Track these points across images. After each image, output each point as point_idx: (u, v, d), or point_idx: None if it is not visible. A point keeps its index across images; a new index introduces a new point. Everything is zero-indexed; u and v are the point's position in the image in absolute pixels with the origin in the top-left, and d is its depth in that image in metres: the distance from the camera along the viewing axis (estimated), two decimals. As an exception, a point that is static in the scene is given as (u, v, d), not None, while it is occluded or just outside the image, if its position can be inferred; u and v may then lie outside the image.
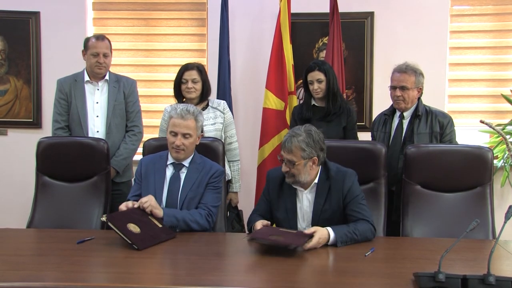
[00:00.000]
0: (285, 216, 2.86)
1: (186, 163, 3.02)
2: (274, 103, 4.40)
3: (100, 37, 3.76)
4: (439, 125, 3.42)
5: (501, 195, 4.56)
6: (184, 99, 3.69)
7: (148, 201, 2.77)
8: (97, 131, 3.73)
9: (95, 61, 3.68)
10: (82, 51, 3.78)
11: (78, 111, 3.70)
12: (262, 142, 4.45)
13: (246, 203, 4.46)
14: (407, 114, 3.51)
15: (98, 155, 3.33)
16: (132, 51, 4.95)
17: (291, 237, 2.57)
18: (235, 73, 4.70)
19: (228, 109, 3.85)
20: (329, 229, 2.61)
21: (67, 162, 3.32)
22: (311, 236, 2.54)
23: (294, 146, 2.71)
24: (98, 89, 3.77)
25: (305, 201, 2.84)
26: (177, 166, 3.02)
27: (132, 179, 3.61)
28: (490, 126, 3.10)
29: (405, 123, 3.51)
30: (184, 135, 2.93)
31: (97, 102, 3.76)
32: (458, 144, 3.45)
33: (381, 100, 4.52)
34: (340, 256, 2.48)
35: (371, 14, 4.66)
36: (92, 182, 3.32)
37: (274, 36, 4.46)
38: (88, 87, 3.76)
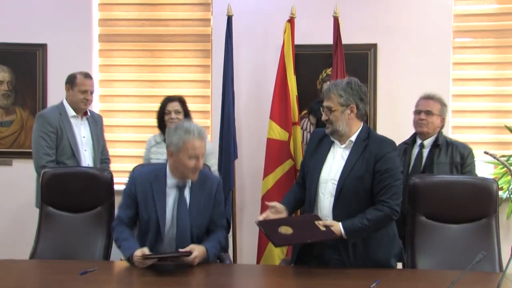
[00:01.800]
0: (313, 166, 2.82)
1: (188, 182, 2.93)
2: (278, 133, 4.42)
3: (88, 75, 3.91)
4: (459, 155, 3.48)
5: (507, 227, 4.52)
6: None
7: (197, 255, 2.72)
8: (88, 164, 3.83)
9: (83, 98, 3.80)
10: (66, 85, 3.85)
11: (70, 145, 3.75)
12: (266, 173, 4.44)
13: (251, 233, 4.46)
14: (427, 144, 3.57)
15: (102, 185, 3.33)
16: (137, 82, 4.99)
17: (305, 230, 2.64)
18: (239, 103, 4.73)
19: (208, 139, 3.90)
20: (341, 225, 2.62)
21: (71, 192, 3.32)
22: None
23: (332, 92, 2.74)
24: (82, 124, 3.88)
25: (338, 155, 2.79)
26: (182, 188, 2.91)
27: None
28: (495, 157, 3.09)
29: (425, 152, 3.56)
30: (202, 156, 2.85)
31: (83, 137, 3.86)
32: (475, 175, 3.47)
33: (384, 131, 4.51)
34: (345, 288, 2.46)
35: (374, 46, 4.71)
36: (96, 213, 3.31)
37: (278, 67, 4.50)
38: (74, 121, 3.84)
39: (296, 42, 4.53)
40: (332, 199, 2.72)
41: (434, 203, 3.04)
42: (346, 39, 4.50)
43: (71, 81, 3.85)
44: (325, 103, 2.78)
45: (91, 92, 3.86)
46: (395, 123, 4.67)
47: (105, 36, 4.99)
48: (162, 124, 3.88)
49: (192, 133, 2.79)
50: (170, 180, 2.91)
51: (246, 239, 4.68)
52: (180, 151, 2.79)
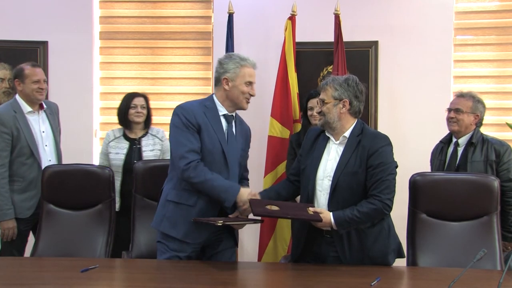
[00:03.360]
0: (309, 163, 2.84)
1: (234, 115, 2.99)
2: (279, 131, 4.42)
3: (36, 65, 3.79)
4: (495, 153, 3.39)
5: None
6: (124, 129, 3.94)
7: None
8: (49, 160, 3.71)
9: (37, 87, 3.62)
10: (16, 80, 3.67)
11: (28, 143, 3.57)
12: (267, 170, 4.45)
13: (253, 231, 4.45)
14: (462, 142, 3.52)
15: (102, 183, 3.34)
16: (138, 79, 5.00)
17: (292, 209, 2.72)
18: (240, 101, 4.72)
19: (166, 137, 3.95)
20: (331, 214, 2.65)
21: (72, 190, 3.32)
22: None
23: (329, 85, 2.78)
24: (40, 119, 3.73)
25: (333, 152, 2.81)
26: (229, 117, 2.94)
27: None
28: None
29: (460, 150, 3.52)
30: (255, 84, 2.93)
31: (43, 131, 3.71)
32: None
33: (385, 128, 4.52)
34: (344, 286, 2.46)
35: (375, 43, 4.70)
36: (97, 210, 3.31)
37: (279, 64, 4.50)
38: (31, 118, 3.67)
39: (297, 39, 4.53)
40: (327, 195, 2.74)
41: (435, 201, 3.04)
42: (347, 37, 4.50)
43: (19, 74, 3.66)
44: (320, 96, 2.83)
45: (44, 81, 3.69)
46: (396, 121, 4.68)
47: (106, 33, 4.99)
48: (125, 119, 3.90)
49: (248, 60, 2.90)
50: (222, 110, 2.93)
51: (247, 237, 4.67)
52: (238, 77, 2.86)
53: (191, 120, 2.80)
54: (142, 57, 4.99)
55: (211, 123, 2.85)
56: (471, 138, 3.48)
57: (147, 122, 3.95)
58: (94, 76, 4.91)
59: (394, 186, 2.73)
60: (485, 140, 3.47)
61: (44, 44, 4.84)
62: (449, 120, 3.54)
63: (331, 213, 2.65)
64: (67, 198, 3.32)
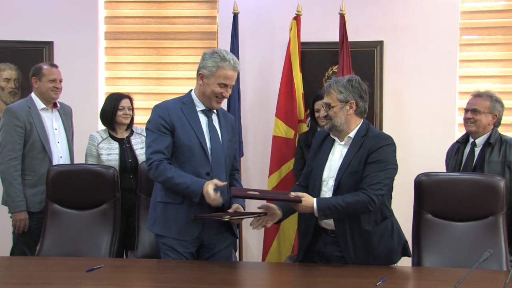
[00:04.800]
0: (316, 165, 2.85)
1: (214, 109, 2.95)
2: (284, 131, 4.42)
3: (54, 65, 3.86)
4: None
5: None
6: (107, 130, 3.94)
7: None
8: (60, 157, 3.77)
9: (52, 86, 3.72)
10: (33, 78, 3.76)
11: (40, 138, 3.65)
12: (272, 170, 4.45)
13: (257, 231, 4.44)
14: (479, 142, 3.49)
15: (107, 183, 3.34)
16: (143, 79, 5.01)
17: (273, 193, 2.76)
18: (245, 101, 4.73)
19: None
20: (315, 200, 2.65)
21: (77, 189, 3.33)
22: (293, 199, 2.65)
23: (332, 88, 2.76)
24: (53, 116, 3.82)
25: (337, 153, 2.81)
26: (208, 112, 2.92)
27: None
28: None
29: (477, 151, 3.48)
30: (231, 86, 2.88)
31: (55, 129, 3.80)
32: None
33: (391, 127, 4.52)
34: (349, 286, 2.46)
35: (380, 43, 4.69)
36: (101, 210, 3.32)
37: (284, 64, 4.50)
38: (44, 114, 3.76)
39: (302, 39, 4.53)
40: (331, 195, 2.74)
41: (440, 201, 3.03)
42: (352, 37, 4.49)
43: (37, 72, 3.76)
44: (325, 99, 2.81)
45: (60, 81, 3.79)
46: (401, 120, 4.67)
47: (111, 33, 5.00)
48: (111, 120, 3.90)
49: (228, 61, 2.81)
50: (199, 105, 2.91)
51: (251, 237, 4.68)
52: (213, 76, 2.82)
53: (165, 118, 2.81)
54: (147, 57, 5.00)
55: (188, 119, 2.85)
56: (488, 138, 3.45)
57: (131, 123, 4.00)
58: (99, 76, 4.92)
59: (386, 186, 2.70)
60: (503, 140, 3.43)
61: (50, 44, 4.86)
62: (466, 120, 3.51)
63: (314, 199, 2.65)
64: (72, 198, 3.33)
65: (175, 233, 2.82)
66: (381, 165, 2.68)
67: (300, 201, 2.64)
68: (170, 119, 2.82)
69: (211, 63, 2.83)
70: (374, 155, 2.69)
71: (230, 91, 2.89)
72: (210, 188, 2.64)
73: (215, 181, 2.69)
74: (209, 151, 2.84)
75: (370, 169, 2.68)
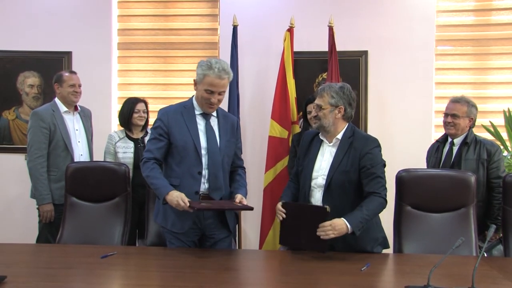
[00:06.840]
0: (306, 164, 2.84)
1: (213, 113, 2.92)
2: (279, 131, 4.42)
3: (73, 72, 3.91)
4: (486, 153, 3.39)
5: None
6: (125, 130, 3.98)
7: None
8: (81, 154, 3.81)
9: (72, 90, 3.77)
10: (55, 84, 3.81)
11: (63, 138, 3.70)
12: (268, 167, 4.45)
13: (254, 222, 4.46)
14: (457, 142, 3.51)
15: (119, 178, 3.34)
16: (151, 85, 5.01)
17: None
18: (243, 104, 4.74)
19: None
20: (344, 220, 2.56)
21: (92, 184, 3.33)
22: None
23: (325, 92, 2.76)
24: (74, 118, 3.85)
25: (327, 153, 2.81)
26: (206, 116, 2.89)
27: None
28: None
29: (455, 149, 3.50)
30: (220, 93, 2.82)
31: (76, 129, 3.83)
32: (506, 172, 3.42)
33: (374, 130, 4.53)
34: (337, 270, 2.46)
35: (365, 53, 4.70)
36: (114, 203, 3.31)
37: (279, 71, 4.50)
38: (66, 117, 3.80)
39: (295, 49, 4.53)
40: (322, 191, 2.74)
41: (419, 194, 3.04)
42: (340, 47, 4.50)
43: (59, 79, 3.80)
44: (317, 101, 2.80)
45: (79, 85, 3.83)
46: (384, 123, 4.68)
47: (123, 44, 5.00)
48: (128, 122, 3.94)
49: (213, 70, 2.76)
50: (198, 110, 2.90)
51: (249, 227, 4.69)
52: (201, 83, 2.81)
53: (163, 121, 2.85)
54: (156, 65, 5.00)
55: (186, 122, 2.85)
56: (465, 138, 3.48)
57: (145, 124, 4.02)
58: (112, 83, 4.93)
59: (385, 183, 2.74)
60: (478, 140, 3.47)
61: (69, 54, 4.86)
62: (446, 124, 3.52)
63: (343, 219, 2.57)
64: (88, 192, 3.33)
65: (170, 225, 2.85)
66: (378, 167, 2.71)
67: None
68: (168, 123, 2.84)
69: (200, 71, 2.83)
70: (368, 160, 2.69)
71: (220, 97, 2.83)
72: (175, 198, 2.64)
73: (180, 195, 2.66)
74: (205, 152, 2.82)
75: (372, 174, 2.68)
